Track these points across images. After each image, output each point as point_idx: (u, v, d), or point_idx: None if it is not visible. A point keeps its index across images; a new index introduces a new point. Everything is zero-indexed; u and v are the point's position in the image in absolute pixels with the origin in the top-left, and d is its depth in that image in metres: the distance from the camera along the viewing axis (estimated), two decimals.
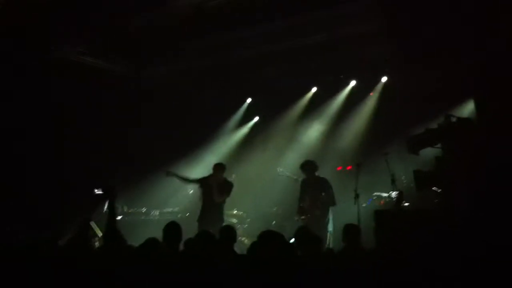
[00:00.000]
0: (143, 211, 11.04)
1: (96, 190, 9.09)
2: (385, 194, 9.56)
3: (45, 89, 9.88)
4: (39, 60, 9.64)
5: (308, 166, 9.05)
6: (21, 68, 9.33)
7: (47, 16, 8.70)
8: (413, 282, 4.07)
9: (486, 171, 5.93)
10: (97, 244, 7.41)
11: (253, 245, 4.41)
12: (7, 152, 9.50)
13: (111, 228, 5.18)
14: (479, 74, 7.71)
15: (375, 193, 9.78)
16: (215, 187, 8.85)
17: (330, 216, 8.77)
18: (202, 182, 9.15)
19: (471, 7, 7.67)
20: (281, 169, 10.57)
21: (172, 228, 5.57)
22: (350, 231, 5.76)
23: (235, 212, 11.08)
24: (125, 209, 11.33)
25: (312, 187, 8.96)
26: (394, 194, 8.68)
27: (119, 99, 11.43)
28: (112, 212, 5.27)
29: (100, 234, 7.64)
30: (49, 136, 10.24)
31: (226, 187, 8.93)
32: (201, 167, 12.37)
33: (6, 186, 9.30)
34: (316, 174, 9.06)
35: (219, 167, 9.02)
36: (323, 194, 8.80)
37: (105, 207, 5.73)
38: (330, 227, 8.68)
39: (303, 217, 8.91)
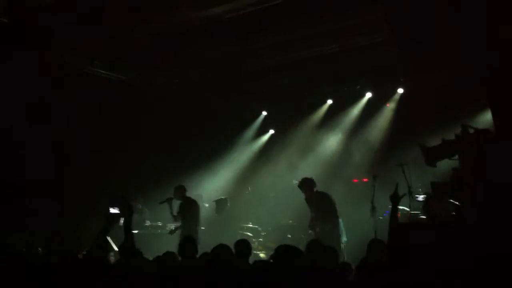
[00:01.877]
0: (159, 225, 11.06)
1: (111, 209, 9.15)
2: (401, 207, 9.45)
3: (47, 92, 9.91)
4: (41, 65, 9.61)
5: (304, 184, 8.86)
6: (22, 72, 9.30)
7: (53, 22, 8.76)
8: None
9: (503, 182, 5.83)
10: (112, 258, 7.42)
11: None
12: (7, 157, 9.52)
13: (127, 244, 5.19)
14: (493, 78, 7.54)
15: None
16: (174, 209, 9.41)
17: (341, 227, 8.65)
18: None
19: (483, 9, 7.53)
20: (296, 182, 10.51)
21: (188, 242, 5.58)
22: (374, 246, 5.69)
23: (250, 225, 11.07)
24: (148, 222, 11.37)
25: (313, 203, 8.81)
26: (421, 198, 8.58)
27: (129, 109, 11.49)
28: (129, 230, 5.27)
29: (115, 248, 7.65)
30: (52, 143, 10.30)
31: (180, 206, 9.36)
32: (216, 180, 12.42)
33: (5, 191, 9.35)
34: (315, 189, 8.81)
35: (176, 189, 9.45)
36: (322, 210, 8.63)
37: (121, 221, 5.71)
38: (343, 239, 8.57)
39: (310, 231, 8.87)
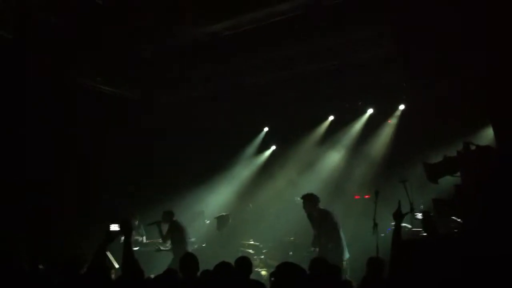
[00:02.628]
0: (160, 241, 10.99)
1: (111, 226, 9.16)
2: (403, 224, 9.38)
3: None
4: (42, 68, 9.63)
5: (307, 199, 8.81)
6: (23, 73, 9.34)
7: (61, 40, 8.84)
8: None
9: (504, 198, 5.81)
10: (113, 275, 7.38)
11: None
12: (7, 157, 9.50)
13: (128, 261, 5.16)
14: (494, 93, 7.51)
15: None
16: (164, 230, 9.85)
17: (344, 244, 8.59)
18: None
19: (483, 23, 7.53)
20: (298, 198, 10.47)
21: (189, 259, 5.56)
22: (373, 264, 5.66)
23: (251, 242, 10.99)
24: (144, 239, 11.33)
25: (316, 220, 8.75)
26: (420, 216, 8.51)
27: (131, 126, 11.54)
28: (128, 247, 5.25)
29: (117, 265, 7.61)
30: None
31: (169, 229, 9.77)
32: (217, 196, 12.38)
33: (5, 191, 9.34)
34: (318, 206, 8.77)
35: (165, 214, 9.87)
36: (325, 227, 8.58)
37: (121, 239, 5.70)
38: (345, 256, 8.50)
39: (313, 249, 8.81)
